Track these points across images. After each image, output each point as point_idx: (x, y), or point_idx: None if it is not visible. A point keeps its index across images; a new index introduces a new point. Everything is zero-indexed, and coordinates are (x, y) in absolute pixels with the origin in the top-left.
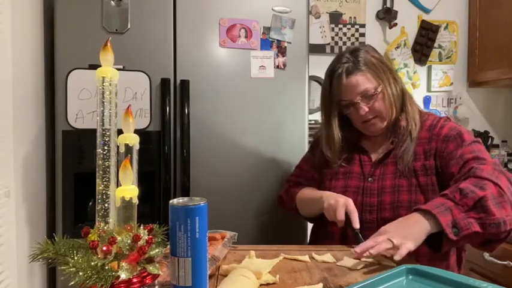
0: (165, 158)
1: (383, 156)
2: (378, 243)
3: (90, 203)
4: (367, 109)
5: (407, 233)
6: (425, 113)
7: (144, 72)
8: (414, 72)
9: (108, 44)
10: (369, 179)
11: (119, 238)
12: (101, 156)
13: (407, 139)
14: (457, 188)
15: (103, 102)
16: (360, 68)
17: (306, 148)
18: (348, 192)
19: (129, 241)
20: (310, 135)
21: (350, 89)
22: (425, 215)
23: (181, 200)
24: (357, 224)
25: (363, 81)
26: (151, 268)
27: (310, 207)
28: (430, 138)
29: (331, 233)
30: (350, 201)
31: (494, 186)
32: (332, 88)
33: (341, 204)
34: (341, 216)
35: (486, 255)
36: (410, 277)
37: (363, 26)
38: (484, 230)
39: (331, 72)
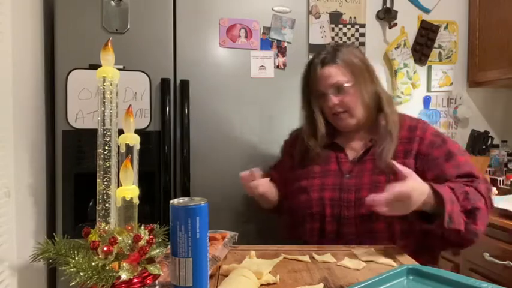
0: (165, 158)
1: (362, 154)
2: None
3: (91, 203)
4: (336, 101)
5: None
6: (402, 114)
7: (144, 72)
8: (414, 72)
9: (109, 44)
10: (346, 175)
11: (120, 238)
12: (102, 156)
13: (387, 138)
14: (463, 189)
15: (104, 102)
16: (335, 61)
17: None
18: (326, 190)
19: (129, 241)
20: None
21: (323, 79)
22: (435, 194)
23: (181, 200)
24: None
25: (336, 73)
26: (152, 268)
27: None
28: (410, 138)
29: (309, 230)
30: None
31: (485, 205)
32: (310, 78)
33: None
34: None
35: (486, 255)
36: (411, 277)
37: (363, 26)
38: (465, 233)
39: (309, 63)
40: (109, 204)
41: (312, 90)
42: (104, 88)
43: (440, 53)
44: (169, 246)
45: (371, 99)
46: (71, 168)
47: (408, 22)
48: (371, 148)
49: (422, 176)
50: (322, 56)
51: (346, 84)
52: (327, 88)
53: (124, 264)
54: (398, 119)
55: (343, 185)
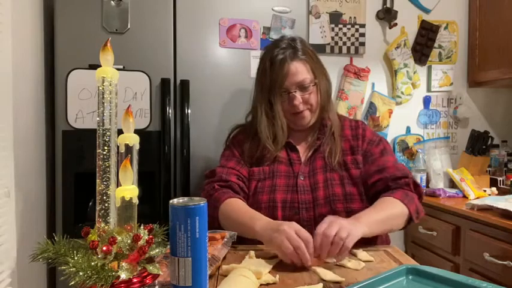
0: (165, 158)
1: (312, 153)
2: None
3: (90, 203)
4: (301, 99)
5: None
6: (339, 114)
7: (144, 72)
8: (414, 72)
9: (108, 44)
10: (301, 177)
11: (119, 238)
12: (101, 156)
13: (332, 137)
14: (412, 181)
15: (103, 103)
16: (299, 56)
17: None
18: (277, 191)
19: (129, 241)
20: None
21: (291, 76)
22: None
23: (181, 200)
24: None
25: (302, 70)
26: (151, 268)
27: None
28: (354, 135)
29: None
30: (296, 226)
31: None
32: (274, 73)
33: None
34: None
35: (486, 255)
36: (410, 277)
37: (363, 26)
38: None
39: (270, 58)
40: (108, 204)
41: (275, 87)
42: (103, 88)
43: (440, 53)
44: (168, 246)
45: (326, 95)
46: (71, 168)
47: (408, 22)
48: (320, 146)
49: (364, 170)
50: (283, 51)
51: (311, 82)
52: (293, 86)
53: (123, 264)
54: (337, 117)
55: (300, 186)
